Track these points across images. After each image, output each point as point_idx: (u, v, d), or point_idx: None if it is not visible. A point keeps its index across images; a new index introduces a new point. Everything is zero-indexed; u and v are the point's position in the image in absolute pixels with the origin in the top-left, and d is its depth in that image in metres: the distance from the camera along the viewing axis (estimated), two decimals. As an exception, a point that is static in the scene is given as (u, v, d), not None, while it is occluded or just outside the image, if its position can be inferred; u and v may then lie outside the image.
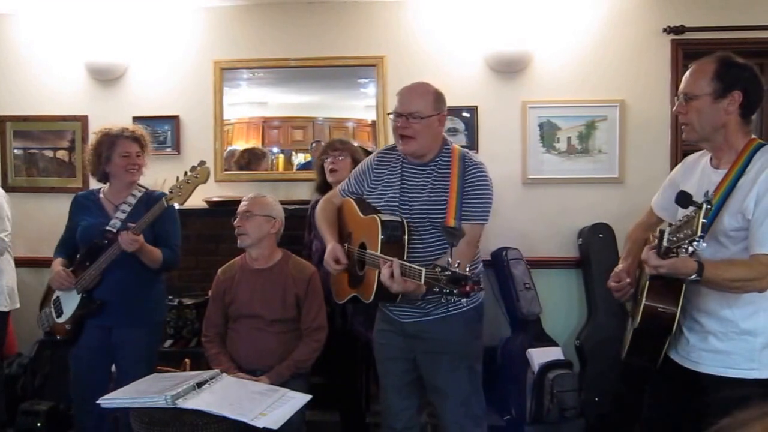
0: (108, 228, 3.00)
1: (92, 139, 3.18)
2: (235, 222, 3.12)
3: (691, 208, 1.89)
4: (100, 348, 3.05)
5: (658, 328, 2.18)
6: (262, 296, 3.08)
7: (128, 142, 3.10)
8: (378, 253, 2.34)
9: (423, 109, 2.45)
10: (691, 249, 1.84)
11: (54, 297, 3.15)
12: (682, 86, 2.19)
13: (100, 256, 2.96)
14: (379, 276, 2.30)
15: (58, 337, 3.15)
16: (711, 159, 2.23)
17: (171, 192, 2.94)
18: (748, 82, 2.12)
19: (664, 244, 1.94)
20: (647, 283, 2.17)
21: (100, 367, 3.08)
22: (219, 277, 3.23)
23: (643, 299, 2.16)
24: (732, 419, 0.68)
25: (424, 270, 2.09)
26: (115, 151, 3.08)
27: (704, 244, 1.82)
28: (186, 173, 2.97)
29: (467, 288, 1.98)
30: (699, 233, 1.80)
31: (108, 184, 3.18)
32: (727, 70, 2.12)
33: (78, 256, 3.10)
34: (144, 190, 3.16)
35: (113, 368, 3.13)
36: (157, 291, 3.19)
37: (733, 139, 2.14)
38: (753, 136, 2.18)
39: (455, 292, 1.99)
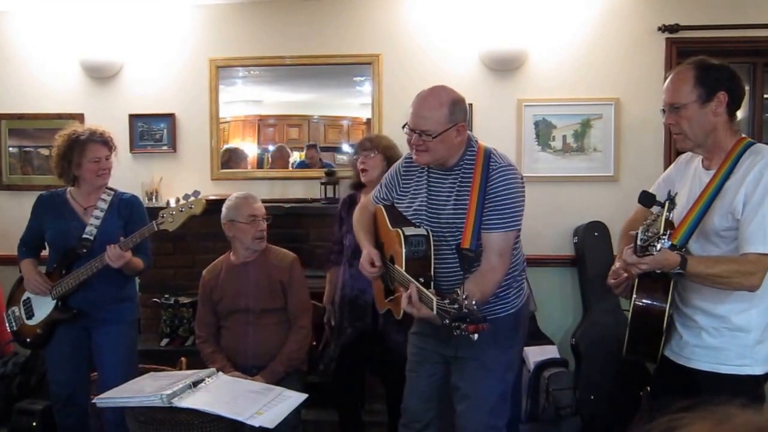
0: (85, 236, 2.98)
1: (59, 142, 3.04)
2: (258, 226, 3.16)
3: (656, 207, 1.96)
4: (79, 348, 3.05)
5: (649, 324, 2.20)
6: (249, 288, 3.13)
7: (98, 146, 3.01)
8: (403, 270, 2.24)
9: (435, 127, 2.26)
10: (659, 246, 1.90)
11: (24, 297, 3.12)
12: (665, 98, 2.19)
13: (80, 266, 2.94)
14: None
15: (27, 340, 3.13)
16: (702, 160, 2.25)
17: (163, 217, 2.89)
18: (729, 81, 2.14)
19: (638, 243, 1.98)
20: (636, 280, 2.20)
21: (80, 367, 3.08)
22: (204, 278, 3.27)
23: (633, 296, 2.20)
24: (671, 420, 0.68)
25: (435, 300, 2.01)
26: (85, 157, 2.99)
27: (669, 242, 1.90)
28: (179, 200, 2.92)
29: (470, 327, 1.88)
30: (662, 231, 1.87)
31: (74, 185, 3.10)
32: (707, 73, 2.13)
33: (49, 258, 3.08)
34: (113, 192, 3.11)
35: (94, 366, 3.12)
36: (131, 288, 3.17)
37: (723, 140, 2.16)
38: (742, 135, 2.19)
39: (462, 326, 1.90)
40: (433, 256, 2.29)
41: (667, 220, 1.92)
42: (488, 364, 2.41)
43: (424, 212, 2.40)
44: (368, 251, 2.46)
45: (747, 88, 4.36)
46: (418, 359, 2.60)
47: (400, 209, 2.52)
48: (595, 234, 4.07)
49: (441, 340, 2.47)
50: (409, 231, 2.32)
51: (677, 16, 4.10)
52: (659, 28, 4.10)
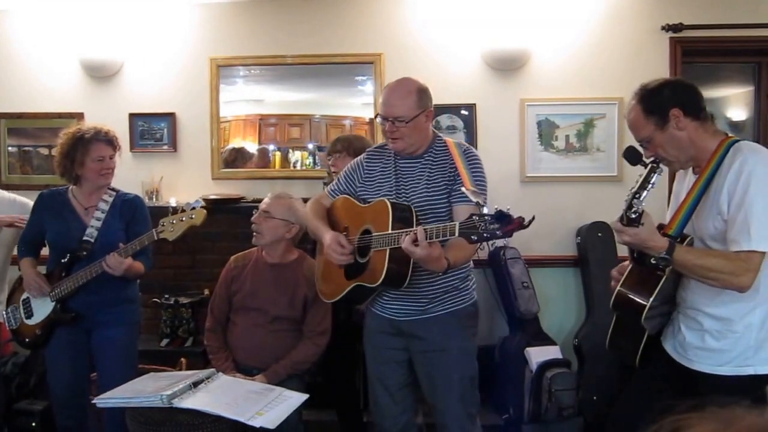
0: (86, 238, 2.94)
1: (63, 140, 2.99)
2: (252, 218, 3.09)
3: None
4: (78, 350, 3.01)
5: (628, 317, 2.20)
6: (270, 291, 3.06)
7: (102, 145, 2.96)
8: (389, 231, 2.30)
9: (406, 113, 2.43)
10: (635, 204, 1.95)
11: (24, 297, 3.10)
12: (634, 137, 2.24)
13: (80, 269, 2.91)
14: (389, 257, 2.28)
15: (26, 340, 3.11)
16: (693, 167, 2.24)
17: (163, 225, 2.83)
18: (673, 96, 2.14)
19: (624, 206, 2.00)
20: (628, 269, 2.21)
21: (80, 368, 3.04)
22: (230, 264, 3.21)
23: (618, 285, 2.20)
24: (677, 420, 0.67)
25: (457, 223, 2.07)
26: (89, 156, 2.94)
27: (644, 203, 1.95)
28: (181, 209, 2.86)
29: (516, 221, 1.94)
30: (636, 189, 1.94)
31: (76, 185, 3.05)
32: (650, 101, 2.15)
33: (49, 258, 3.05)
34: (115, 192, 3.07)
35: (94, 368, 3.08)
36: (133, 290, 3.12)
37: (704, 146, 2.14)
38: (726, 135, 2.17)
39: (498, 233, 1.95)
40: (415, 224, 2.33)
41: (644, 180, 1.96)
42: (456, 354, 2.50)
43: (393, 197, 2.50)
44: (333, 235, 2.48)
45: (751, 88, 4.36)
46: (380, 360, 2.65)
47: (364, 197, 2.60)
48: (599, 234, 4.05)
49: (405, 334, 2.54)
50: (393, 200, 2.43)
51: (681, 15, 4.08)
52: (663, 28, 4.09)
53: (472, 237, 2.01)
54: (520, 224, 1.95)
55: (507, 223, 1.95)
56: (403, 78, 2.54)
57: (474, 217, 2.01)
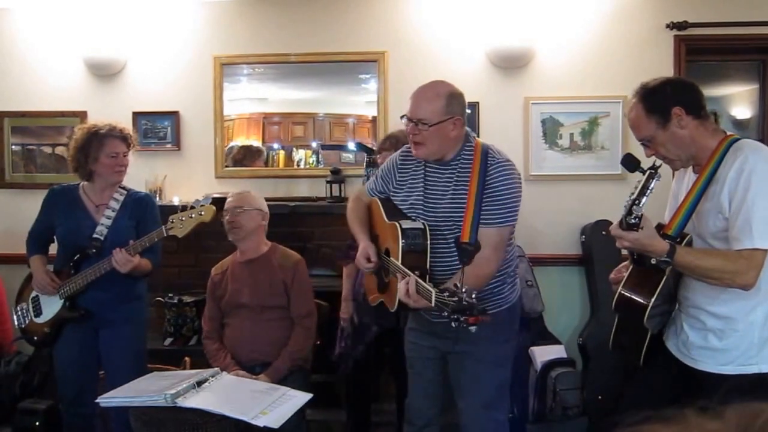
0: (96, 236, 2.95)
1: (77, 135, 3.02)
2: (226, 218, 3.12)
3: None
4: (87, 348, 3.02)
5: (631, 318, 2.20)
6: (251, 285, 3.13)
7: (117, 141, 3.00)
8: (399, 262, 2.27)
9: (430, 116, 2.31)
10: (634, 210, 1.93)
11: (33, 295, 3.11)
12: (635, 136, 2.22)
13: (88, 267, 2.92)
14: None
15: (34, 338, 3.12)
16: (693, 166, 2.24)
17: (172, 222, 2.86)
18: (675, 95, 2.13)
19: (623, 211, 1.99)
20: (628, 270, 2.21)
21: (88, 367, 3.04)
22: (211, 274, 3.28)
23: (620, 287, 2.21)
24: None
25: (434, 292, 2.04)
26: (103, 151, 2.97)
27: (643, 209, 1.93)
28: (189, 206, 2.88)
29: (471, 319, 1.91)
30: (635, 196, 1.93)
31: (89, 181, 3.07)
32: (652, 99, 2.14)
33: (58, 256, 3.06)
34: (126, 191, 3.09)
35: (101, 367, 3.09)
36: (140, 289, 3.13)
37: (704, 144, 2.14)
38: (726, 134, 2.16)
39: (461, 319, 1.92)
40: (429, 250, 2.32)
41: (643, 187, 1.94)
42: (485, 359, 2.46)
43: (420, 206, 2.44)
44: (364, 246, 2.50)
45: (756, 85, 4.34)
46: (415, 356, 2.64)
47: (395, 202, 2.55)
48: (603, 233, 4.02)
49: (437, 335, 2.50)
50: (406, 224, 2.36)
51: (686, 13, 4.06)
52: (667, 26, 4.06)
53: (443, 313, 1.99)
54: (475, 323, 1.93)
55: (469, 315, 1.92)
56: (436, 80, 2.44)
57: (446, 293, 1.99)
